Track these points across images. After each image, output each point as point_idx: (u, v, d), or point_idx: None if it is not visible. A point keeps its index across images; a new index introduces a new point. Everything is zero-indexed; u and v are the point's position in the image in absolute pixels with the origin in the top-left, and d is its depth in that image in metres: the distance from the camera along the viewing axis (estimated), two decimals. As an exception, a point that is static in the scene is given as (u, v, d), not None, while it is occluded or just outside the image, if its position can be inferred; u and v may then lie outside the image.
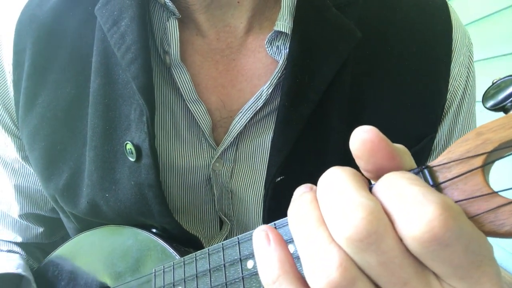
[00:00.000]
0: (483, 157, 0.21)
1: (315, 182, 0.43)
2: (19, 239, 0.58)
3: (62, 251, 0.51)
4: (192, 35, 0.44)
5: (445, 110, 0.45)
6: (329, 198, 0.21)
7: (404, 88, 0.43)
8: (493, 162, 0.22)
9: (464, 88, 0.46)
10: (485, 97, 0.23)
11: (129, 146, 0.40)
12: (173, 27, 0.41)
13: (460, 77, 0.45)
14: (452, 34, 0.44)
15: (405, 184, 0.20)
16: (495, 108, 0.22)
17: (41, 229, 0.58)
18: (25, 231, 0.57)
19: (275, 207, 0.41)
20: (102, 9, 0.42)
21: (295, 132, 0.40)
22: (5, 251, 0.58)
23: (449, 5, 0.46)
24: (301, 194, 0.25)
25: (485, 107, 0.22)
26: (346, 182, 0.21)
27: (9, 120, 0.49)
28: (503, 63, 1.21)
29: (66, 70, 0.45)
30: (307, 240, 0.21)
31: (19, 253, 0.58)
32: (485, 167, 0.21)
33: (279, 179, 0.40)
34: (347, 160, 0.42)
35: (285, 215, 0.43)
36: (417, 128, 0.43)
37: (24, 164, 0.52)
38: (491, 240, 0.21)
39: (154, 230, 0.45)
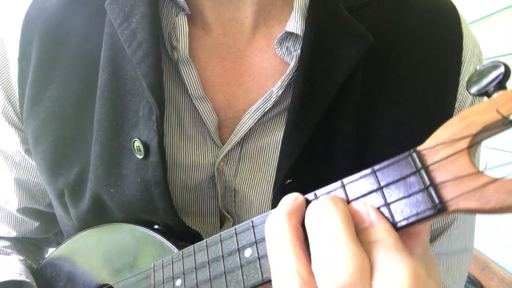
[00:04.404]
0: (468, 139, 0.22)
1: (323, 185, 0.44)
2: (13, 234, 0.57)
3: (60, 252, 0.51)
4: (199, 30, 0.44)
5: None
6: (319, 241, 0.23)
7: (413, 95, 0.42)
8: (478, 143, 0.23)
9: (472, 98, 0.45)
10: (469, 83, 0.24)
11: (137, 143, 0.40)
12: (182, 22, 0.41)
13: None
14: (462, 43, 0.43)
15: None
16: (479, 93, 0.23)
17: (37, 224, 0.57)
18: (20, 226, 0.57)
19: None
20: (112, 4, 0.42)
21: (305, 136, 0.39)
22: (3, 254, 0.57)
23: (459, 12, 0.45)
24: (285, 215, 0.26)
25: (470, 93, 0.23)
26: (339, 227, 0.23)
27: (12, 113, 0.48)
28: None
29: (75, 64, 0.44)
30: (283, 271, 0.24)
31: (17, 257, 0.57)
32: (471, 148, 0.22)
33: (287, 182, 0.40)
34: (356, 164, 0.42)
35: None
36: (425, 135, 0.43)
37: (26, 157, 0.51)
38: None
39: (156, 227, 0.45)
